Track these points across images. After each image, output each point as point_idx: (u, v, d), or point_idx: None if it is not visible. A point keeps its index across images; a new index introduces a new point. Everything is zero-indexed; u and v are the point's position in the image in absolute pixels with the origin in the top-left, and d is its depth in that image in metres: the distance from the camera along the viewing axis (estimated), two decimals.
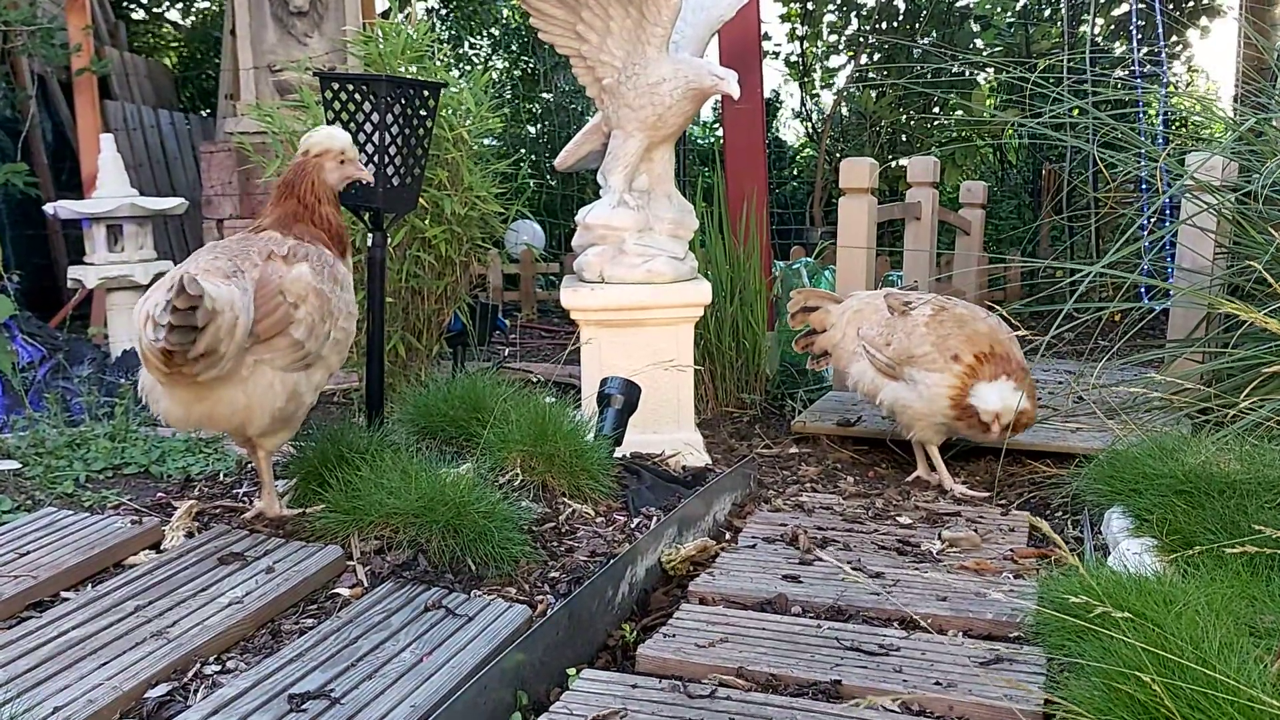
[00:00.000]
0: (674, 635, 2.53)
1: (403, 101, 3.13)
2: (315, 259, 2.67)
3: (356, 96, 3.14)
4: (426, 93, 3.20)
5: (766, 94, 10.69)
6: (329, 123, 3.19)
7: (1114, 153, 4.35)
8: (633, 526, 3.08)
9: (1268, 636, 2.14)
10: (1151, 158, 3.91)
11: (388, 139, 3.09)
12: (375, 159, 3.11)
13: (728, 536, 3.33)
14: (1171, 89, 6.80)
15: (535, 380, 4.97)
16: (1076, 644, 2.20)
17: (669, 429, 4.06)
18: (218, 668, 2.12)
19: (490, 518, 2.62)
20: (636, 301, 3.95)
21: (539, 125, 10.30)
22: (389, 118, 3.08)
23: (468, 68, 10.55)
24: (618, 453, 3.58)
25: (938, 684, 2.28)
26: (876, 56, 9.26)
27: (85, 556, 2.48)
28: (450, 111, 4.72)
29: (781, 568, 2.97)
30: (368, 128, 3.11)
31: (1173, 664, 1.86)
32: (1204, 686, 1.79)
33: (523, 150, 9.73)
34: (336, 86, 3.14)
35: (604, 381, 3.63)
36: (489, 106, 4.84)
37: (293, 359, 2.55)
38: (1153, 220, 4.28)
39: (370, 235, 3.24)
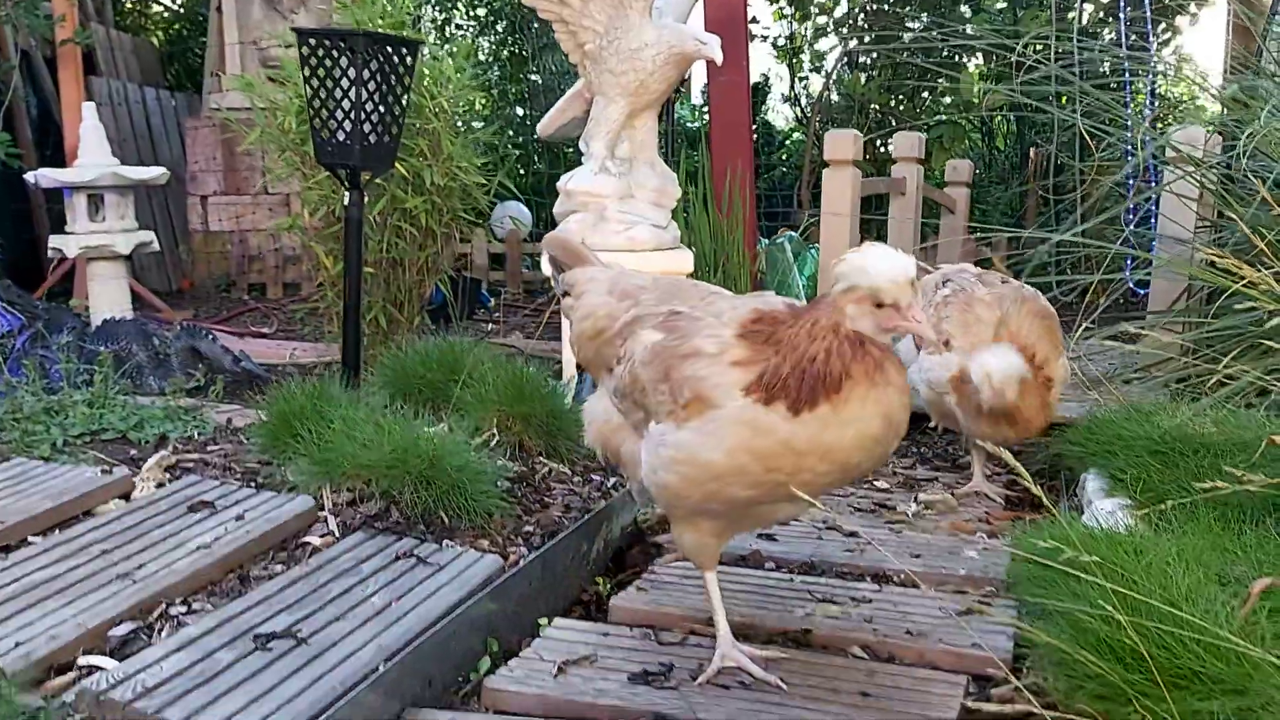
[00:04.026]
0: (646, 588, 2.53)
1: (380, 58, 3.12)
2: (670, 339, 2.03)
3: (334, 53, 3.12)
4: (405, 50, 3.18)
5: (756, 78, 10.70)
6: (305, 80, 3.17)
7: (1098, 123, 4.35)
8: (609, 485, 3.08)
9: (1239, 585, 2.14)
10: (1133, 126, 3.92)
11: (364, 95, 3.07)
12: (351, 115, 3.09)
13: None
14: (1160, 74, 6.80)
15: (519, 353, 4.96)
16: (1047, 591, 2.19)
17: None
18: (184, 609, 2.11)
19: (463, 471, 2.61)
20: None
21: (527, 107, 10.26)
22: (365, 74, 3.06)
23: (453, 48, 10.51)
24: None
25: (908, 633, 2.29)
26: (866, 39, 9.26)
27: (54, 504, 2.46)
28: (431, 80, 4.70)
29: None
30: (344, 84, 3.09)
31: (1141, 606, 1.86)
32: (1171, 627, 1.79)
33: (510, 132, 9.70)
34: (314, 42, 3.13)
35: None
36: (470, 75, 4.81)
37: (607, 388, 2.22)
38: (1134, 192, 4.28)
39: (347, 194, 3.22)
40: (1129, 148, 4.13)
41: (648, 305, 2.16)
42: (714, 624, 2.19)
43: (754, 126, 10.26)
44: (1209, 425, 2.94)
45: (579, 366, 3.61)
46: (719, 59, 3.78)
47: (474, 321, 6.45)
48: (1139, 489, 2.77)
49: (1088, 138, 4.00)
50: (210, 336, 4.88)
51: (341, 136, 3.12)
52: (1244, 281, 2.82)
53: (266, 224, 7.61)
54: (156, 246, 5.73)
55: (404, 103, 3.23)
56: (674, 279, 2.39)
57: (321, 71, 3.13)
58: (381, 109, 3.15)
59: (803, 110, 10.42)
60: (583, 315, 2.26)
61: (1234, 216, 3.03)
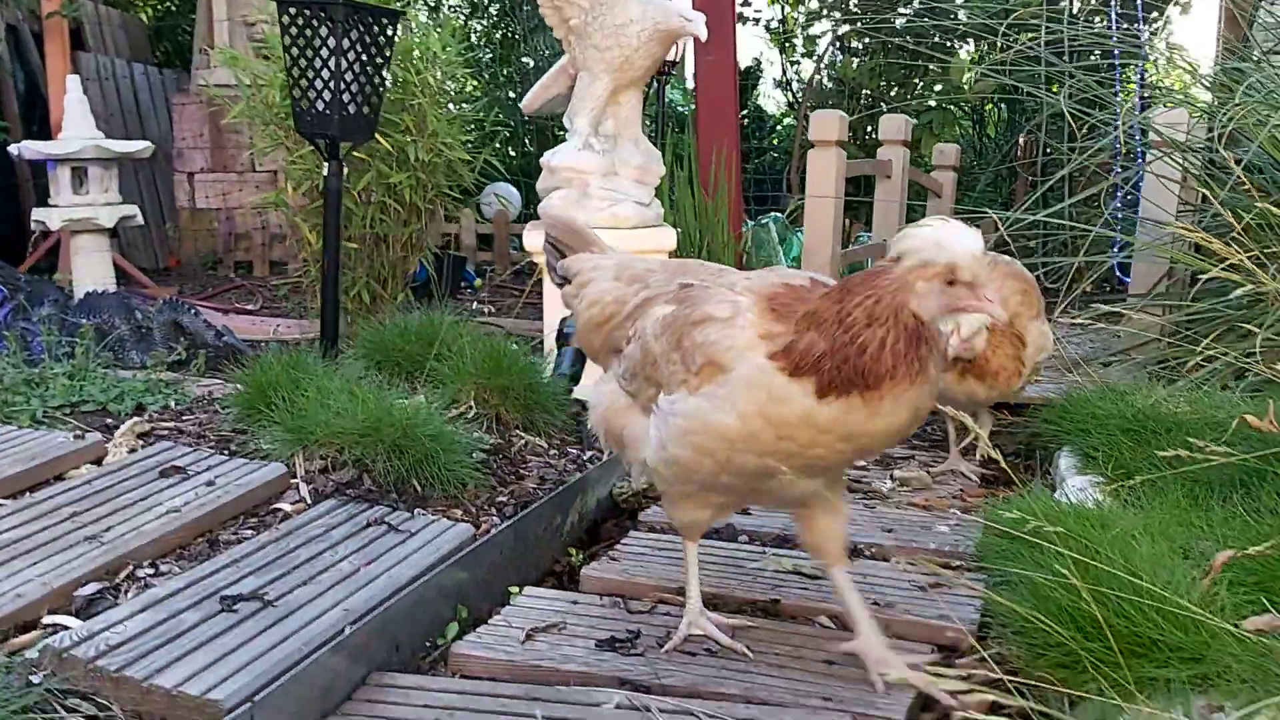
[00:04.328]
0: (618, 559, 2.54)
1: (360, 28, 3.11)
2: (681, 309, 1.97)
3: (314, 22, 3.11)
4: (385, 20, 3.17)
5: (748, 62, 10.69)
6: (285, 49, 3.16)
7: (1086, 108, 4.35)
8: (585, 459, 3.08)
9: (1203, 558, 2.16)
10: (1120, 109, 3.92)
11: (344, 65, 3.07)
12: (331, 85, 3.08)
13: None
14: (1150, 61, 6.80)
15: (503, 332, 4.96)
16: (1013, 564, 2.21)
17: None
18: (151, 571, 2.11)
19: (437, 440, 2.61)
20: None
21: (518, 89, 10.23)
22: (345, 43, 3.05)
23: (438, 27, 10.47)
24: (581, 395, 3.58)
25: (876, 604, 2.29)
26: (858, 24, 9.25)
27: (25, 467, 2.46)
28: (418, 56, 4.69)
29: None
30: (324, 53, 3.08)
31: (1102, 576, 1.87)
32: (1131, 596, 1.81)
33: (501, 114, 9.68)
34: (294, 11, 3.11)
35: (563, 320, 3.62)
36: (457, 52, 4.80)
37: (615, 371, 2.16)
38: (1114, 174, 4.28)
39: (326, 165, 3.21)
40: (1116, 131, 4.13)
41: (658, 285, 2.11)
42: (686, 591, 2.20)
43: (744, 110, 10.26)
44: (1183, 405, 2.96)
45: (558, 340, 3.62)
46: (703, 35, 3.77)
47: (459, 301, 6.44)
48: (1110, 466, 2.79)
49: (1072, 121, 4.00)
50: (193, 311, 4.87)
51: (320, 106, 3.11)
52: (1225, 264, 2.83)
53: (264, 204, 7.59)
54: (140, 220, 5.71)
55: (384, 74, 3.23)
56: (682, 260, 2.34)
57: (301, 41, 3.12)
58: (361, 79, 3.14)
59: (794, 95, 10.42)
60: (589, 303, 2.20)
61: (1208, 197, 3.03)
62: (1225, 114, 3.15)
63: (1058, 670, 1.84)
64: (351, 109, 3.13)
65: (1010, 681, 1.78)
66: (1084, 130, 4.09)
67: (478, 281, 7.20)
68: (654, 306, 2.06)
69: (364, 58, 3.13)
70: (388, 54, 3.23)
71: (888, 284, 1.75)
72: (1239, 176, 2.67)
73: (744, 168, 10.30)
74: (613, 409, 2.16)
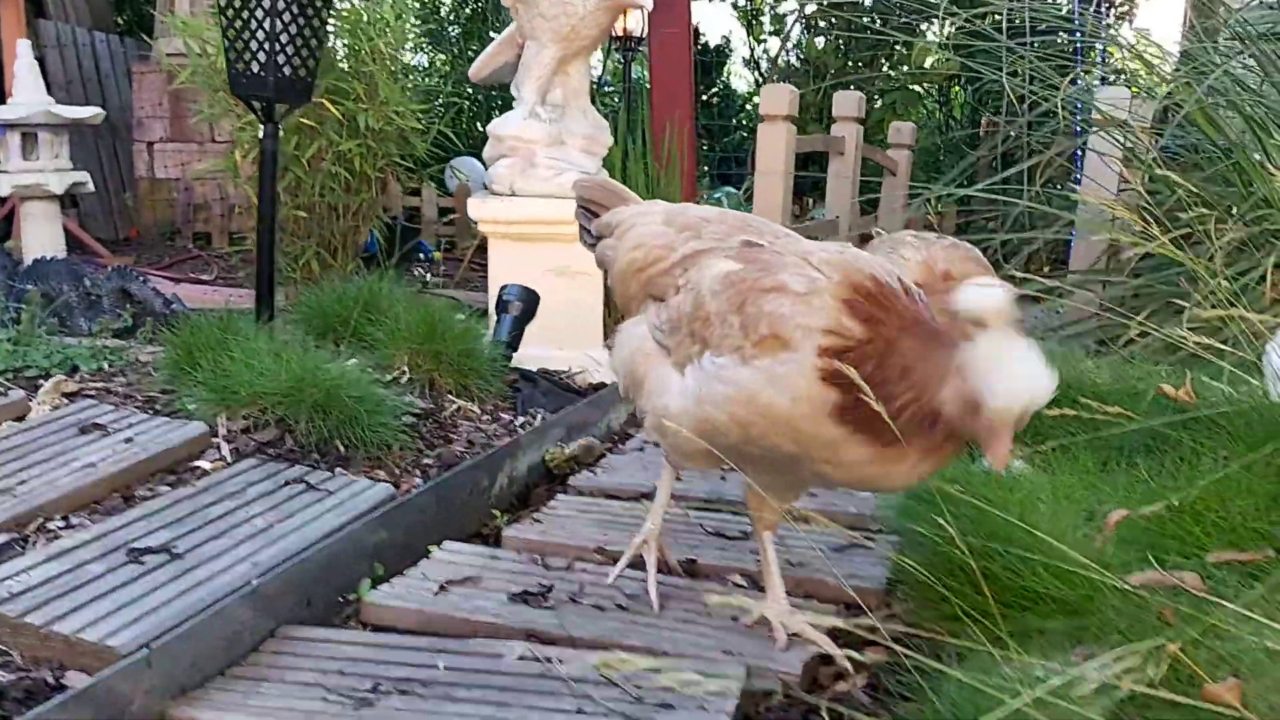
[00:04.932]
0: (541, 520, 2.56)
1: None
2: (750, 270, 1.85)
3: None
4: None
5: (717, 40, 10.70)
6: (220, 10, 3.14)
7: (1045, 88, 4.38)
8: (517, 424, 3.10)
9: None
10: (1054, 85, 3.95)
11: (279, 26, 3.05)
12: (266, 47, 3.07)
13: (618, 441, 3.36)
14: (1111, 44, 6.85)
15: (446, 299, 4.96)
16: (920, 524, 2.25)
17: (576, 345, 4.07)
18: (62, 524, 2.12)
19: (362, 402, 2.62)
20: (545, 215, 3.94)
21: None
22: (280, 3, 3.03)
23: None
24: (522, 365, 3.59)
25: (790, 564, 2.33)
26: (824, 2, 9.26)
27: None
28: (369, 24, 4.67)
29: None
30: (259, 14, 3.06)
31: (996, 533, 1.92)
32: (1021, 551, 1.85)
33: (469, 88, 9.64)
34: None
35: (503, 288, 3.64)
36: (411, 20, 4.78)
37: (650, 318, 2.06)
38: (1052, 150, 4.32)
39: (262, 127, 3.20)
40: (1052, 105, 4.17)
41: (713, 237, 2.00)
42: (654, 502, 2.25)
43: (713, 88, 10.27)
44: (1104, 374, 3.00)
45: (497, 308, 3.63)
46: (649, 5, 3.79)
47: (411, 271, 6.43)
48: (1030, 434, 2.83)
49: (1014, 98, 4.04)
50: (142, 279, 4.85)
51: (255, 68, 3.10)
52: (1158, 242, 2.87)
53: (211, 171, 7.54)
54: (91, 187, 5.67)
55: (322, 35, 3.21)
56: (741, 214, 2.23)
57: (238, 2, 3.10)
58: (298, 41, 3.13)
59: (762, 74, 10.42)
60: (632, 245, 2.08)
61: (1129, 179, 3.07)
62: (1145, 87, 3.19)
63: (947, 622, 1.88)
64: (287, 70, 3.12)
65: (907, 635, 1.83)
66: (1025, 107, 4.14)
67: (436, 254, 7.19)
68: (710, 259, 1.95)
69: (301, 19, 3.12)
70: (325, 16, 3.22)
71: (937, 359, 1.65)
72: (1156, 154, 2.70)
73: (711, 146, 10.33)
74: (640, 353, 2.07)
